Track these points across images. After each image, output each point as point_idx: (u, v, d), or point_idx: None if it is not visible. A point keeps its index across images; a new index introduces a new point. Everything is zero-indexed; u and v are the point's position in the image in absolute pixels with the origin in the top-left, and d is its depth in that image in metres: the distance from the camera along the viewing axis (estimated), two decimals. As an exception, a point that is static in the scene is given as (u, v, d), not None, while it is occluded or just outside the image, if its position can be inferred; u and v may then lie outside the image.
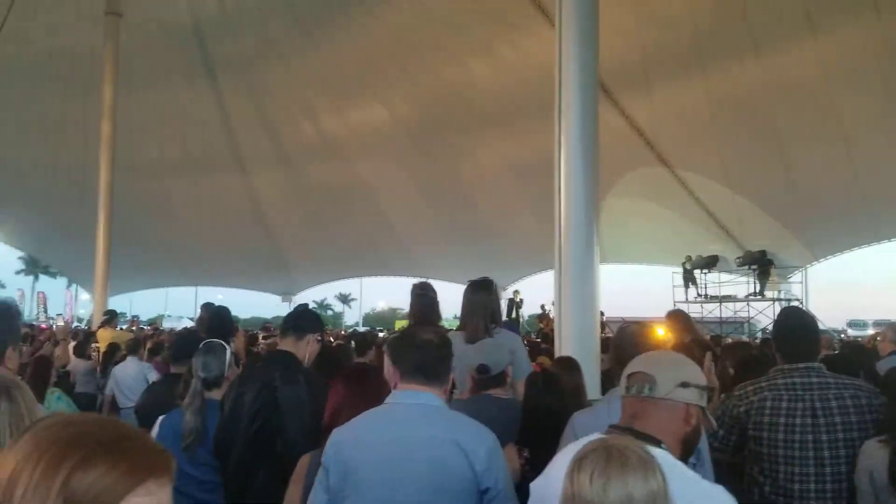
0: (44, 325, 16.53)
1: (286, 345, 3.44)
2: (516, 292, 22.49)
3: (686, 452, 1.84)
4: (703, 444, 2.63)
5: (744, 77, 15.08)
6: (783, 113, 15.35)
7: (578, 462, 1.44)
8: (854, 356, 4.95)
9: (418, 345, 2.20)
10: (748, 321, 20.17)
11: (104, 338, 9.91)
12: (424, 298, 4.47)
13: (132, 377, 7.63)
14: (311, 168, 24.16)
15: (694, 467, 2.60)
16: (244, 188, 25.79)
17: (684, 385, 1.86)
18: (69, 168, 22.59)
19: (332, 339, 13.91)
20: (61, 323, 18.09)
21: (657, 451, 1.61)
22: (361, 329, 30.62)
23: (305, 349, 3.42)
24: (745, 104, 15.76)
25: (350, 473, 2.11)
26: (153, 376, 7.44)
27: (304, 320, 3.54)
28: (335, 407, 2.53)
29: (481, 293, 4.08)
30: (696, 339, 5.52)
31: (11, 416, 1.59)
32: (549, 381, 3.20)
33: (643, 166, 18.24)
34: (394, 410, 2.18)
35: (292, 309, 3.82)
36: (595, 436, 1.69)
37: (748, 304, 20.33)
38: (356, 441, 2.14)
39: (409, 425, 2.10)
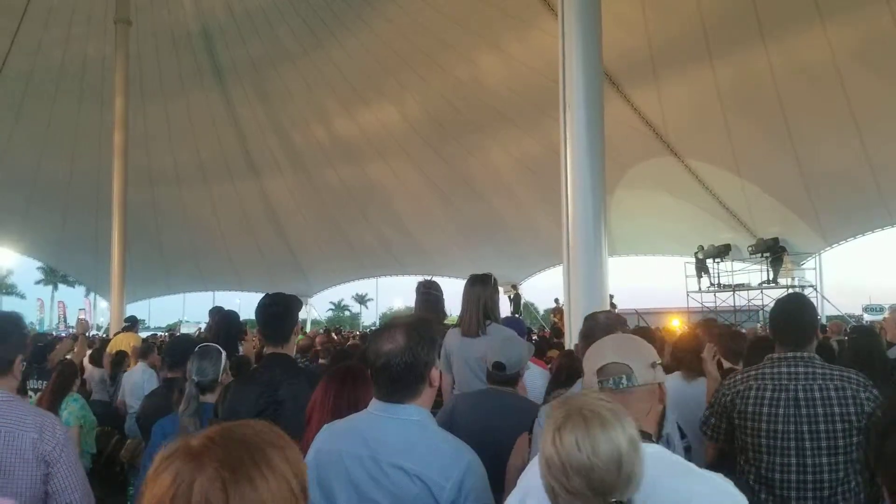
0: (64, 336, 16.63)
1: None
2: (513, 287, 22.42)
3: (660, 429, 1.79)
4: (674, 430, 2.59)
5: (752, 63, 14.97)
6: (792, 99, 15.21)
7: (558, 431, 1.42)
8: (864, 342, 4.89)
9: (378, 356, 2.04)
10: (762, 309, 20.04)
11: (123, 343, 9.91)
12: (429, 296, 4.51)
13: (135, 382, 7.65)
14: (323, 171, 24.26)
15: None
16: (258, 193, 25.96)
17: (654, 365, 1.80)
18: (85, 177, 22.81)
19: (344, 340, 14.05)
20: (82, 317, 18.01)
21: (653, 448, 1.59)
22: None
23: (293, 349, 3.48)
24: (754, 91, 15.62)
25: (324, 485, 2.05)
26: (150, 385, 7.49)
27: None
28: (311, 406, 2.56)
29: (477, 286, 4.03)
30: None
31: None
32: (574, 373, 3.20)
33: (653, 157, 18.19)
34: (370, 423, 2.05)
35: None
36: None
37: (762, 292, 20.24)
38: (334, 451, 2.06)
39: (382, 445, 1.98)
